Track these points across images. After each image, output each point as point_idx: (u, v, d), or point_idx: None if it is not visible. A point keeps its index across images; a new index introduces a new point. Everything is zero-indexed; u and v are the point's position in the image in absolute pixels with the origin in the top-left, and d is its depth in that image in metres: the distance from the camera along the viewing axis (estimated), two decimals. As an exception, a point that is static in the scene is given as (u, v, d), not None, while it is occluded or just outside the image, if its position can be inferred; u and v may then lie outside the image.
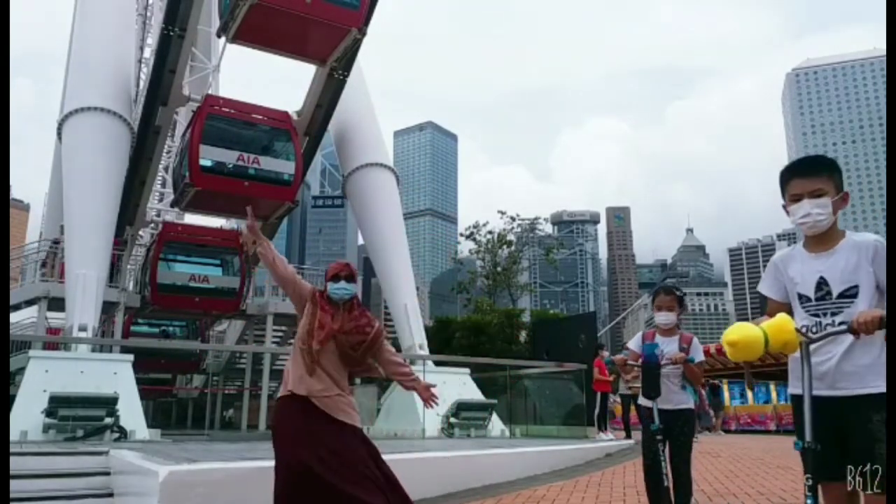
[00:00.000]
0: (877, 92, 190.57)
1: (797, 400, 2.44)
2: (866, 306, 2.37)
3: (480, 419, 12.55)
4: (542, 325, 29.38)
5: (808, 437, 2.26)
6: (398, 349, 17.59)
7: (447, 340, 32.57)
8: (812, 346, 2.42)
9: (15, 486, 4.36)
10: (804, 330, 2.41)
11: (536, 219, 51.19)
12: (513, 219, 47.03)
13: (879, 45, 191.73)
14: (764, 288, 2.73)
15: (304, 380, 3.54)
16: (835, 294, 2.48)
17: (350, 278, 3.72)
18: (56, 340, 13.95)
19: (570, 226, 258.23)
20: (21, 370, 10.08)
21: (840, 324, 2.41)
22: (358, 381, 16.85)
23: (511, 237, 46.37)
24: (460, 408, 12.28)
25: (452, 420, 12.15)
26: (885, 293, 2.43)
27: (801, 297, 2.56)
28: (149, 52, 23.10)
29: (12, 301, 14.64)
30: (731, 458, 8.92)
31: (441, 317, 44.05)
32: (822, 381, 2.39)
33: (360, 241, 30.39)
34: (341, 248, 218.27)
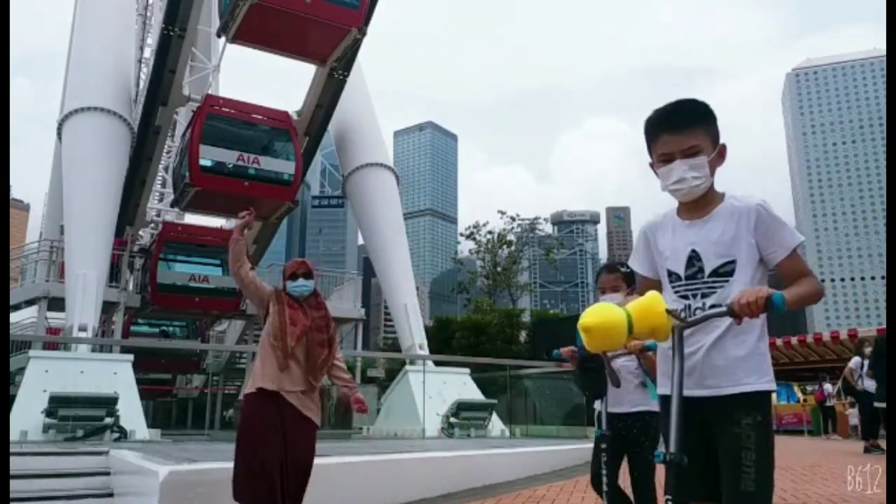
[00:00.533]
0: (877, 92, 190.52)
1: (665, 401, 2.00)
2: (743, 286, 1.93)
3: (480, 419, 12.56)
4: (542, 325, 29.43)
5: (672, 446, 1.79)
6: (398, 349, 17.60)
7: (447, 340, 32.63)
8: (689, 337, 1.99)
9: (15, 486, 4.36)
10: (677, 312, 1.99)
11: (536, 219, 51.37)
12: (513, 219, 47.15)
13: (879, 45, 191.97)
14: (634, 263, 2.28)
15: (275, 376, 3.66)
16: (707, 271, 2.04)
17: (308, 275, 3.88)
18: (56, 340, 13.96)
19: (570, 226, 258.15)
20: (21, 370, 10.09)
21: (712, 306, 2.00)
22: (358, 381, 16.89)
23: (511, 237, 46.49)
24: (460, 408, 12.29)
25: (452, 420, 12.16)
26: (769, 269, 2.04)
27: (670, 274, 2.12)
28: (149, 52, 23.10)
29: (12, 301, 14.64)
30: (731, 458, 8.91)
31: (441, 317, 44.12)
32: (688, 377, 1.96)
33: (360, 241, 30.43)
34: (341, 248, 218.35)
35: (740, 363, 1.96)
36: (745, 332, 1.97)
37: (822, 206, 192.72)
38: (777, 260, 2.00)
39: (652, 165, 2.12)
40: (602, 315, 1.90)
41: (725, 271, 2.01)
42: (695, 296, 2.04)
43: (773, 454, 1.96)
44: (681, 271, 2.08)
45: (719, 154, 2.07)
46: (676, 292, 2.09)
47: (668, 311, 1.89)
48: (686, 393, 1.90)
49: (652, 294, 1.93)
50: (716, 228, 2.04)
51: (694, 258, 2.06)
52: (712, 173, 2.05)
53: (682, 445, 1.79)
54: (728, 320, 1.92)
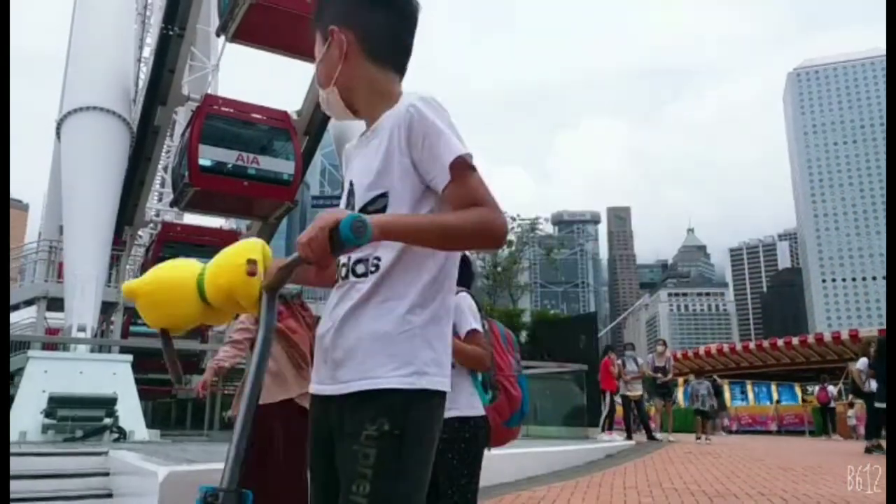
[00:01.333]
0: (878, 92, 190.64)
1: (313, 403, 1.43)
2: None
3: (480, 419, 12.52)
4: (542, 326, 29.38)
5: (226, 477, 1.26)
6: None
7: (447, 340, 32.58)
8: (334, 309, 1.35)
9: (14, 486, 4.35)
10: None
11: (537, 219, 51.19)
12: (513, 219, 47.04)
13: (880, 44, 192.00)
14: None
15: (297, 379, 3.78)
16: (357, 209, 1.39)
17: None
18: (55, 340, 13.94)
19: (571, 226, 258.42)
20: (20, 370, 10.07)
21: (358, 260, 1.37)
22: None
23: (511, 237, 46.44)
24: (460, 408, 12.26)
25: (452, 420, 12.13)
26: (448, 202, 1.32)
27: None
28: (148, 52, 23.09)
29: (12, 301, 14.63)
30: (732, 458, 8.91)
31: (441, 317, 44.08)
32: (324, 364, 1.36)
33: (360, 241, 30.37)
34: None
35: (376, 344, 1.28)
36: (394, 296, 1.29)
37: (823, 206, 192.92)
38: (440, 187, 1.30)
39: None
40: (161, 278, 1.29)
41: (375, 209, 1.35)
42: None
43: (407, 484, 1.24)
44: None
45: (339, 52, 1.40)
46: None
47: (251, 263, 1.26)
48: (318, 389, 1.37)
49: (244, 241, 1.35)
50: (371, 150, 1.40)
51: (350, 194, 1.44)
52: (336, 77, 1.41)
53: (238, 477, 1.23)
54: (371, 279, 1.31)
